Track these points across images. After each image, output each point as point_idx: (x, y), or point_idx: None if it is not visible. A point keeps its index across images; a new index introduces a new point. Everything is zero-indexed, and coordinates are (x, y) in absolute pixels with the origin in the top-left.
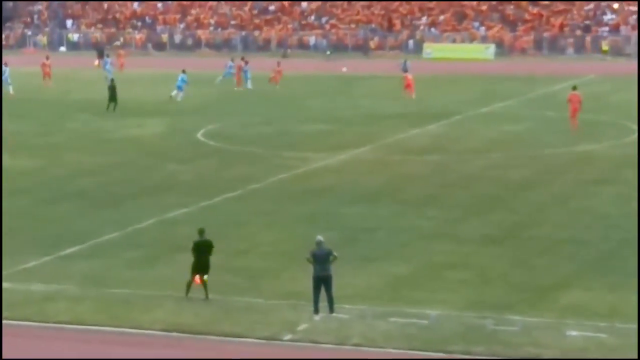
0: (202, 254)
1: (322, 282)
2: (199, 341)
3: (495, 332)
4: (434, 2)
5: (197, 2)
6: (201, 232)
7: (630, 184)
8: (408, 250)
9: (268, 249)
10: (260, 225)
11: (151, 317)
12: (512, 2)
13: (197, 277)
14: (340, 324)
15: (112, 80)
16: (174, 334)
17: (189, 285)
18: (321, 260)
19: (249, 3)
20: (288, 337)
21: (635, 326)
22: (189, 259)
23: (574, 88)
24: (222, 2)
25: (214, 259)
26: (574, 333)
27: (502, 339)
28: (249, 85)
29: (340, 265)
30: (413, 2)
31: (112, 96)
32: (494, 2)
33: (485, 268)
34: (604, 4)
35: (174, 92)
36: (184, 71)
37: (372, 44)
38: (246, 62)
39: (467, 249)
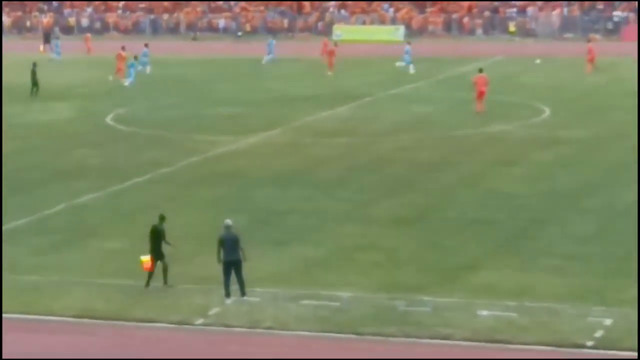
0: (154, 240)
1: (232, 266)
2: (110, 327)
3: (406, 313)
4: None
5: None
6: (161, 218)
7: (539, 165)
8: (319, 233)
9: (178, 233)
10: (170, 210)
11: (62, 304)
12: None
13: (146, 263)
14: (252, 308)
15: (34, 64)
16: (86, 320)
17: (149, 275)
18: (230, 244)
19: None
20: (200, 321)
21: (544, 305)
22: (99, 244)
23: (480, 71)
24: None
25: (123, 244)
26: (484, 313)
27: (413, 320)
28: (148, 71)
29: (251, 249)
30: None
31: (34, 80)
32: None
33: (396, 250)
34: None
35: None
36: (146, 45)
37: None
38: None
39: (378, 231)
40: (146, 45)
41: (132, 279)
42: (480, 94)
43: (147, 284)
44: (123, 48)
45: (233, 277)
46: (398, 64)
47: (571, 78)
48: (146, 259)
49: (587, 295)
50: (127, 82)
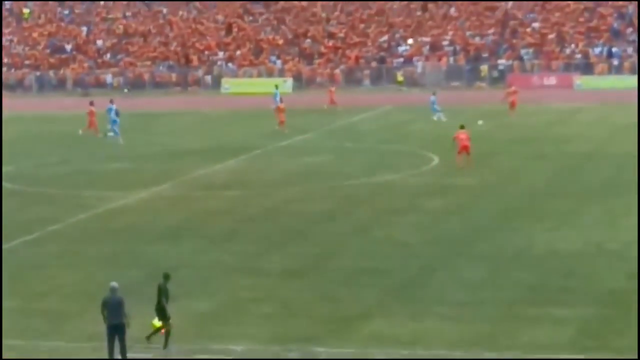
0: (159, 298)
1: (115, 330)
2: None
3: None
4: (230, 37)
5: None
6: (165, 276)
7: (429, 212)
8: (211, 286)
9: (69, 290)
10: (59, 267)
11: None
12: (308, 35)
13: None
14: None
15: None
16: None
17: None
18: (114, 307)
19: (43, 42)
20: None
21: (437, 352)
22: None
23: (462, 127)
24: (15, 42)
25: (11, 303)
26: None
27: None
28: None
29: (143, 305)
30: (209, 38)
31: None
32: (289, 36)
33: (289, 301)
34: (397, 35)
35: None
36: (112, 102)
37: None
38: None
39: (271, 282)
40: (112, 101)
41: (22, 338)
42: (465, 148)
43: (149, 337)
44: (92, 103)
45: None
46: (436, 117)
47: (457, 126)
48: (157, 323)
49: (479, 341)
50: (109, 135)
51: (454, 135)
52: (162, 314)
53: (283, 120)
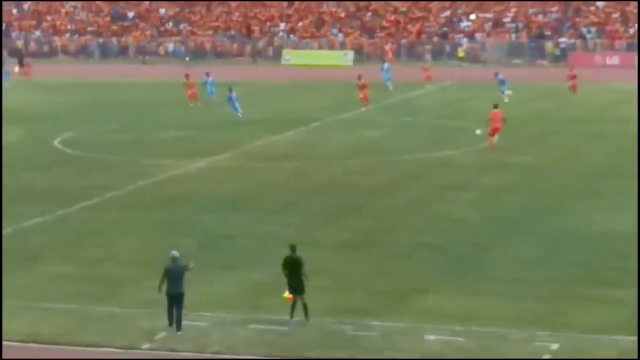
0: (292, 271)
1: (174, 299)
2: (56, 351)
3: (354, 337)
4: (292, 9)
5: (54, 8)
6: (292, 248)
7: (485, 189)
8: (267, 257)
9: (126, 257)
10: (117, 234)
11: (8, 328)
12: (370, 9)
13: (288, 294)
14: (199, 332)
15: None
16: (32, 344)
17: (292, 305)
18: (175, 276)
19: (106, 9)
20: (146, 345)
21: (491, 329)
22: (45, 268)
23: (495, 107)
24: (79, 8)
25: (69, 268)
26: (431, 337)
27: (361, 344)
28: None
29: (199, 273)
30: (272, 9)
31: None
32: (352, 9)
33: (344, 274)
34: (460, 11)
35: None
36: (208, 74)
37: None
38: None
39: (326, 255)
40: (207, 74)
41: (78, 303)
42: (496, 130)
43: (292, 315)
44: (187, 76)
45: None
46: (506, 94)
47: (518, 104)
48: (287, 295)
49: (533, 320)
50: (239, 113)
51: (489, 115)
52: (300, 286)
53: (365, 95)
